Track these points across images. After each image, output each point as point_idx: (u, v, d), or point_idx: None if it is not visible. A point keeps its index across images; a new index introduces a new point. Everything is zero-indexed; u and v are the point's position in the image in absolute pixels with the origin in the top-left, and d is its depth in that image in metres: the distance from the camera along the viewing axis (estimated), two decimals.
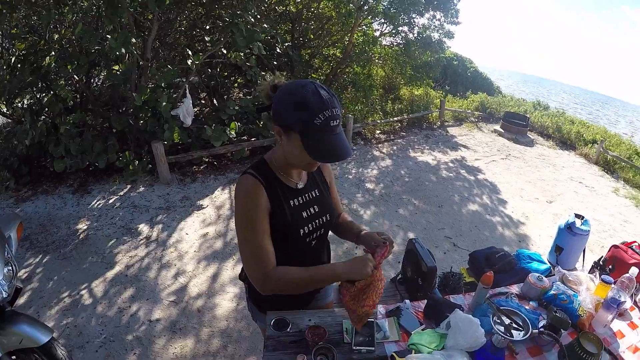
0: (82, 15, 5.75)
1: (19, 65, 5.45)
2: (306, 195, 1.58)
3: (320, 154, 1.30)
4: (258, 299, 1.81)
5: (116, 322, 3.26)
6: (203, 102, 7.83)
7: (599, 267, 2.41)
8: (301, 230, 1.53)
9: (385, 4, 9.10)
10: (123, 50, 4.81)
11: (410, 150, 8.67)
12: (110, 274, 3.81)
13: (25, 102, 6.38)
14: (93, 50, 5.40)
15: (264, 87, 1.43)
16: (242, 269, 1.82)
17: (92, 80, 6.34)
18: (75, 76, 5.64)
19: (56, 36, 6.08)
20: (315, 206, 1.60)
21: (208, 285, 3.81)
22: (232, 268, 4.08)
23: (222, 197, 5.48)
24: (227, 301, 3.63)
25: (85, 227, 4.49)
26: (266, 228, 1.44)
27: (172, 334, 3.22)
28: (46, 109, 5.88)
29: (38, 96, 6.15)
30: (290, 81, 1.36)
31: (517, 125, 11.20)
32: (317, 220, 1.59)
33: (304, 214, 1.55)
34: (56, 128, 5.33)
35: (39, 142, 5.37)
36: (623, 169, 9.53)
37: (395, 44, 10.85)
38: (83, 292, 3.57)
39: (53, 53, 5.58)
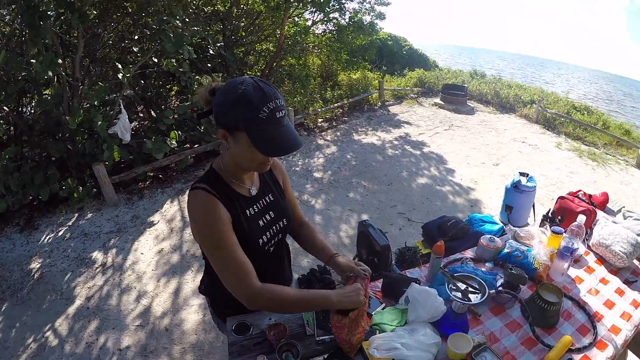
0: (5, 41, 5.51)
1: None
2: (260, 202, 1.54)
3: (270, 148, 1.24)
4: (219, 308, 1.79)
5: (87, 358, 3.20)
6: (141, 115, 7.65)
7: (548, 219, 2.46)
8: (260, 240, 1.50)
9: None
10: (50, 73, 4.62)
11: (354, 134, 8.80)
12: (71, 310, 3.72)
13: None
14: (20, 77, 5.17)
15: (201, 92, 1.37)
16: (201, 281, 1.83)
17: (23, 109, 6.07)
18: (5, 107, 5.40)
19: None
20: (270, 212, 1.57)
21: (172, 302, 3.79)
22: (192, 280, 4.07)
23: (172, 210, 5.42)
24: (193, 314, 3.64)
25: (38, 266, 4.34)
26: (235, 241, 1.37)
27: (145, 358, 3.20)
28: None
29: None
30: (229, 81, 1.29)
31: (457, 96, 11.56)
32: (274, 227, 1.57)
33: (261, 223, 1.51)
34: None
35: None
36: (563, 124, 10.09)
37: (328, 31, 10.89)
38: (48, 333, 3.46)
39: None
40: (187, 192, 1.50)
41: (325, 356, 1.50)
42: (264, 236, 1.52)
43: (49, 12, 4.87)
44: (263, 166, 1.40)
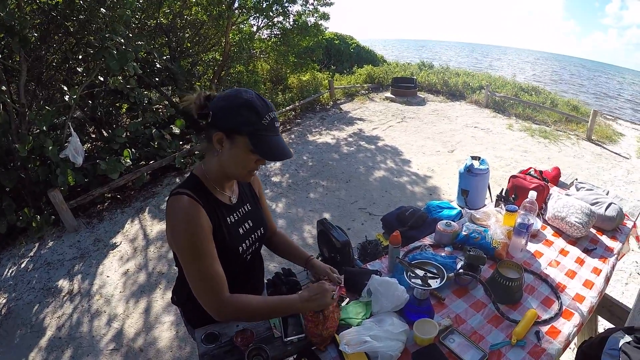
0: None
1: None
2: (240, 210, 1.58)
3: (269, 153, 1.33)
4: (192, 318, 1.79)
5: None
6: (92, 136, 7.49)
7: (502, 199, 2.53)
8: (240, 247, 1.53)
9: None
10: None
11: (308, 135, 8.89)
12: (43, 342, 3.64)
13: None
14: None
15: (192, 98, 1.39)
16: (173, 291, 1.84)
17: None
18: None
19: None
20: (249, 221, 1.60)
21: (143, 322, 3.78)
22: (161, 297, 4.07)
23: (134, 229, 5.36)
24: (166, 331, 3.64)
25: (4, 301, 4.21)
26: (213, 251, 1.38)
27: None
28: None
29: None
30: (229, 89, 1.36)
31: (407, 89, 11.83)
32: (252, 235, 1.61)
33: (240, 230, 1.55)
34: None
35: None
36: (512, 106, 10.51)
37: (273, 35, 10.94)
38: None
39: None
40: (167, 198, 1.52)
41: (295, 356, 1.53)
42: (243, 244, 1.55)
43: None
44: (250, 174, 1.46)
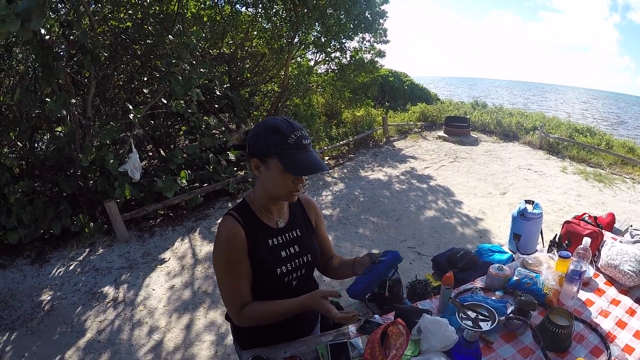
0: (19, 79, 5.68)
1: None
2: (287, 234, 1.62)
3: (298, 168, 1.37)
4: (240, 337, 1.83)
5: None
6: (150, 154, 7.78)
7: (555, 244, 2.47)
8: (278, 269, 1.55)
9: (314, 34, 9.36)
10: (64, 112, 4.77)
11: (360, 170, 8.84)
12: (82, 342, 3.69)
13: None
14: (34, 115, 5.30)
15: (236, 137, 1.57)
16: None
17: (35, 145, 6.21)
18: (18, 142, 5.54)
19: None
20: (295, 246, 1.62)
21: (183, 337, 3.77)
22: (204, 316, 4.04)
23: (183, 247, 5.43)
24: (205, 350, 3.60)
25: (49, 298, 4.34)
26: (244, 270, 1.51)
27: None
28: None
29: None
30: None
31: (460, 128, 11.68)
32: (296, 260, 1.62)
33: (283, 254, 1.58)
34: (5, 198, 5.19)
35: None
36: (567, 147, 10.14)
37: (330, 70, 11.13)
38: None
39: None
40: (218, 220, 1.65)
41: None
42: (283, 266, 1.57)
43: (61, 53, 5.04)
44: (292, 194, 1.50)
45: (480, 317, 1.72)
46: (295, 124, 1.42)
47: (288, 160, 1.37)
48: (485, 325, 1.67)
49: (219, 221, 1.55)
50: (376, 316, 1.97)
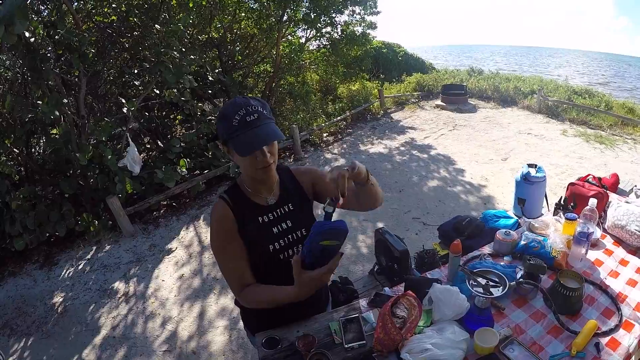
0: (8, 86, 5.63)
1: None
2: (277, 210, 1.59)
3: (243, 148, 1.35)
4: (250, 322, 1.87)
5: None
6: (148, 146, 7.75)
7: (561, 207, 2.49)
8: (270, 246, 1.55)
9: (303, 10, 9.22)
10: (57, 113, 4.74)
11: (360, 144, 8.83)
12: (98, 340, 3.74)
13: None
14: (27, 120, 5.27)
15: None
16: None
17: (32, 149, 6.19)
18: (14, 149, 5.52)
19: None
20: (287, 221, 1.60)
21: (197, 325, 3.82)
22: (215, 302, 4.09)
23: (189, 235, 5.46)
24: (219, 335, 3.65)
25: (61, 300, 4.38)
26: (237, 250, 1.51)
27: None
28: None
29: None
30: None
31: (457, 96, 11.62)
32: (290, 236, 1.59)
33: (275, 230, 1.57)
34: (7, 206, 5.20)
35: None
36: (566, 110, 10.08)
37: (322, 46, 11.01)
38: None
39: None
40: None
41: None
42: (276, 243, 1.56)
43: (48, 55, 4.99)
44: (262, 171, 1.45)
45: (491, 283, 1.76)
46: (240, 101, 1.37)
47: (237, 144, 1.35)
48: (496, 291, 1.71)
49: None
50: (386, 289, 2.02)
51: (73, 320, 4.04)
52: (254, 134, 1.34)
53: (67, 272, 4.90)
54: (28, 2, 4.15)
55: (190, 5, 8.21)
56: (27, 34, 4.39)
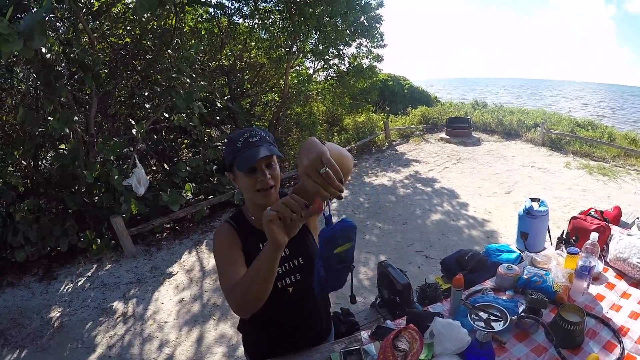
0: (21, 98, 5.72)
1: None
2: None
3: (241, 163, 1.39)
4: (251, 348, 1.85)
5: None
6: (154, 168, 7.81)
7: (563, 241, 2.47)
8: None
9: (312, 42, 9.39)
10: (67, 130, 4.82)
11: (364, 176, 8.85)
12: (93, 358, 3.70)
13: None
14: (37, 133, 5.35)
15: None
16: (240, 319, 1.84)
17: (39, 162, 6.25)
18: (22, 161, 5.56)
19: None
20: (286, 249, 1.59)
21: (194, 350, 3.77)
22: (214, 328, 4.04)
23: (191, 260, 5.44)
24: None
25: (58, 315, 4.35)
26: (238, 259, 1.49)
27: None
28: None
29: None
30: None
31: (461, 129, 11.70)
32: (287, 264, 1.60)
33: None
34: (11, 217, 5.22)
35: None
36: (569, 143, 10.14)
37: (329, 77, 11.17)
38: None
39: None
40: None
41: None
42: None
43: (62, 71, 5.09)
44: (262, 195, 1.46)
45: (492, 317, 1.73)
46: (247, 129, 1.46)
47: (238, 162, 1.40)
48: (498, 326, 1.68)
49: None
50: (388, 321, 2.02)
51: (69, 336, 4.00)
52: (254, 151, 1.39)
53: (66, 287, 4.88)
54: (47, 18, 4.24)
55: (203, 32, 8.40)
56: (43, 50, 4.47)
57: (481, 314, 1.73)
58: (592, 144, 9.84)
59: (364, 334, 1.89)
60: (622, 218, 2.84)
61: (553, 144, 10.43)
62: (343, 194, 1.08)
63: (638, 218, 2.79)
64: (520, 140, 11.44)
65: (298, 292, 1.65)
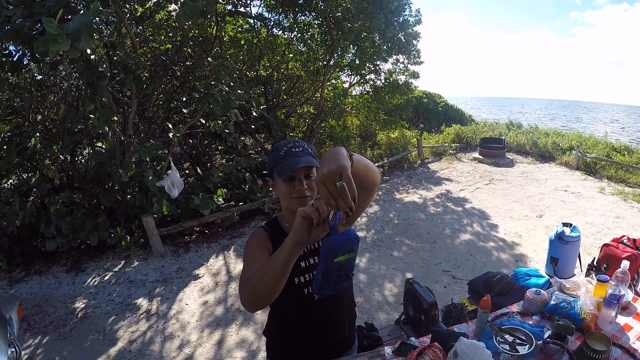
0: (62, 95, 5.92)
1: (5, 147, 5.51)
2: (308, 246, 1.63)
3: (282, 170, 1.44)
4: (273, 355, 1.86)
5: None
6: (187, 171, 7.95)
7: (594, 268, 2.44)
8: (296, 279, 1.57)
9: (349, 56, 9.45)
10: (106, 128, 4.96)
11: (395, 192, 8.78)
12: (113, 351, 3.75)
13: (12, 182, 6.45)
14: (76, 130, 5.54)
15: None
16: (266, 323, 1.87)
17: (76, 158, 6.44)
18: (60, 156, 5.74)
19: (39, 117, 6.26)
20: (315, 257, 1.63)
21: (214, 353, 3.78)
22: (236, 333, 4.05)
23: (217, 264, 5.48)
24: None
25: (83, 306, 4.45)
26: (263, 258, 1.47)
27: None
28: (34, 189, 5.97)
29: (25, 177, 6.27)
30: None
31: (495, 149, 11.49)
32: (315, 271, 1.54)
33: (302, 264, 1.60)
34: (45, 208, 5.38)
35: (29, 222, 5.40)
36: (604, 167, 9.81)
37: (365, 92, 11.18)
38: None
39: (37, 134, 5.66)
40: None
41: None
42: (301, 276, 1.59)
43: (105, 73, 5.27)
44: (297, 201, 1.49)
45: (518, 341, 1.75)
46: (291, 140, 1.53)
47: (279, 169, 1.46)
48: (522, 349, 1.70)
49: None
50: (412, 338, 2.00)
51: (91, 328, 4.08)
52: (295, 160, 1.44)
53: (93, 280, 4.99)
54: (94, 21, 4.40)
55: (242, 42, 8.56)
56: (88, 51, 4.64)
57: (507, 336, 1.76)
58: (628, 169, 9.49)
59: (388, 350, 1.90)
60: None
61: (588, 168, 10.14)
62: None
63: None
64: (555, 163, 11.19)
65: (324, 300, 1.63)
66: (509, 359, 1.59)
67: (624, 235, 2.71)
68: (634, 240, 2.67)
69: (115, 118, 5.22)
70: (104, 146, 5.96)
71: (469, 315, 3.13)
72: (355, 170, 1.15)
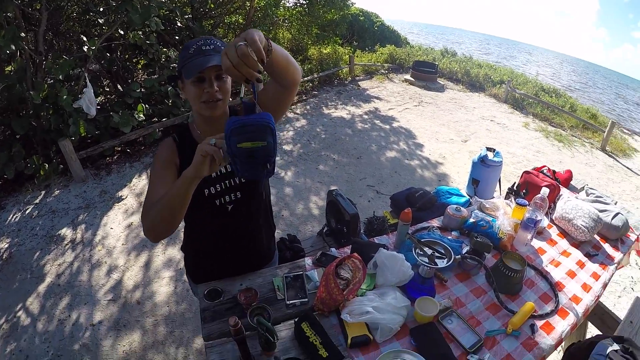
0: None
1: None
2: None
3: (189, 71, 1.31)
4: (192, 270, 1.86)
5: (60, 335, 3.19)
6: (107, 89, 7.48)
7: (513, 192, 2.56)
8: (206, 190, 1.52)
9: None
10: (13, 47, 4.50)
11: (323, 107, 8.82)
12: (42, 288, 3.68)
13: None
14: None
15: None
16: (183, 239, 1.84)
17: None
18: None
19: None
20: (227, 166, 1.55)
21: (142, 275, 3.83)
22: (162, 253, 4.11)
23: (141, 183, 5.39)
24: (164, 286, 3.68)
25: (6, 246, 4.24)
26: (170, 178, 1.41)
27: (117, 332, 3.22)
28: None
29: None
30: None
31: (427, 73, 11.67)
32: (227, 181, 1.56)
33: (212, 174, 1.52)
34: None
35: None
36: (531, 105, 10.37)
37: (299, 4, 10.79)
38: (19, 313, 3.42)
39: None
40: None
41: (296, 319, 1.53)
42: (212, 187, 1.53)
43: None
44: (207, 105, 1.39)
45: (436, 254, 1.78)
46: (202, 37, 1.38)
47: (187, 69, 1.32)
48: (441, 263, 1.74)
49: None
50: (332, 249, 2.02)
51: (18, 267, 3.93)
52: (205, 59, 1.31)
53: (14, 216, 4.73)
54: None
55: None
56: None
57: (426, 249, 1.79)
58: (553, 110, 10.07)
59: (308, 261, 1.92)
60: (572, 182, 2.94)
61: (515, 103, 10.63)
62: (261, 79, 0.94)
63: (587, 185, 2.88)
64: (484, 93, 11.57)
65: (236, 211, 1.62)
66: (428, 271, 1.63)
67: (544, 166, 2.81)
68: (554, 171, 2.81)
69: (24, 35, 4.72)
70: (13, 68, 5.42)
71: (390, 228, 3.25)
72: (274, 59, 1.09)
